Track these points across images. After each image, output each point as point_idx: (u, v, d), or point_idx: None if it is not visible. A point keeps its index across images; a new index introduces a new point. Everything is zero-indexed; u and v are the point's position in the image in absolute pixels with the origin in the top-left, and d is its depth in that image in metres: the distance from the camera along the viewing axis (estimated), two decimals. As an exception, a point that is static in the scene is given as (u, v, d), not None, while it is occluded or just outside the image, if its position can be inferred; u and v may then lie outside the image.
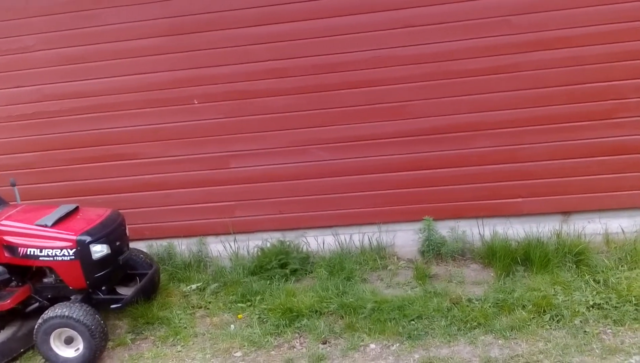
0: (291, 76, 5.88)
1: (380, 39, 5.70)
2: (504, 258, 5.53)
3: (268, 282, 5.73)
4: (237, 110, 6.00)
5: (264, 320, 5.20)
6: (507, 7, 5.52)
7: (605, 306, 4.82)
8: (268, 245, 6.17)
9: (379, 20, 5.67)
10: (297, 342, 4.91)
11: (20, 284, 5.09)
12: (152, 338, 5.20)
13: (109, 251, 4.95)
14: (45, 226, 4.85)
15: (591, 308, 4.83)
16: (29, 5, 5.94)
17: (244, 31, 5.83)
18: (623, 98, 5.58)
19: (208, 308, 5.54)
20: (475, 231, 5.98)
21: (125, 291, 5.29)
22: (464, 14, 5.57)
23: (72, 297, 5.01)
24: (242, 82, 5.94)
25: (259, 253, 6.16)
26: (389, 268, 5.85)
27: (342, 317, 5.10)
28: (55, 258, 4.81)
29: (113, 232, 5.07)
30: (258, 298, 5.48)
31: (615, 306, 4.79)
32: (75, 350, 4.80)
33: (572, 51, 5.54)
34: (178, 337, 5.14)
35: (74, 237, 4.79)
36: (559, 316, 4.76)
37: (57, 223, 4.92)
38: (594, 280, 5.15)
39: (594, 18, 5.46)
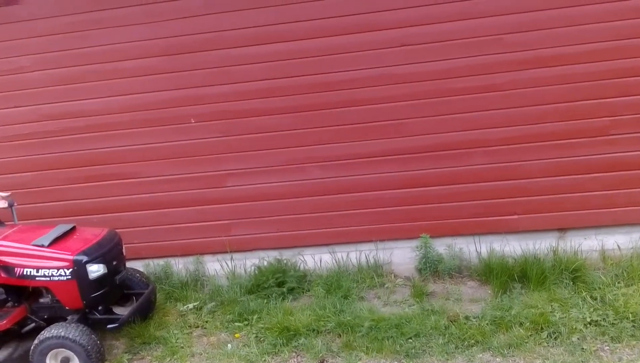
0: (287, 95, 5.90)
1: (376, 57, 5.74)
2: (501, 275, 5.53)
3: (265, 301, 5.72)
4: (233, 129, 6.03)
5: (261, 339, 5.18)
6: (500, 26, 5.58)
7: (602, 323, 4.82)
8: (265, 263, 6.16)
9: (374, 40, 5.72)
10: (294, 361, 4.89)
11: (16, 304, 5.07)
12: (149, 358, 5.17)
13: (106, 271, 4.93)
14: (42, 246, 4.84)
15: (588, 325, 4.83)
16: (25, 27, 5.98)
17: (239, 51, 5.87)
18: (617, 115, 5.62)
19: (205, 328, 5.52)
20: (472, 248, 5.98)
21: (122, 311, 5.27)
22: (459, 33, 5.63)
23: (69, 317, 4.99)
24: (237, 101, 5.97)
25: (256, 271, 6.14)
26: (386, 286, 5.85)
27: (340, 336, 5.09)
28: (51, 278, 4.79)
29: (110, 252, 5.06)
30: (255, 317, 5.47)
31: (613, 323, 4.80)
32: (72, 371, 4.78)
33: (565, 68, 5.58)
34: (175, 356, 5.12)
35: (71, 257, 4.78)
36: (557, 334, 4.76)
37: (53, 243, 4.90)
38: (591, 297, 5.16)
39: (586, 36, 5.52)
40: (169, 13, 5.86)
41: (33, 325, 5.12)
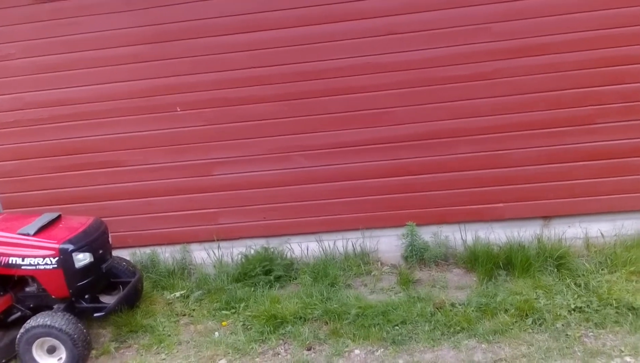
0: (273, 83, 5.88)
1: (362, 46, 5.72)
2: (486, 263, 5.57)
3: (252, 289, 5.72)
4: (219, 117, 5.99)
5: (248, 327, 5.20)
6: (487, 14, 5.57)
7: (586, 309, 4.87)
8: (252, 251, 6.17)
9: (361, 28, 5.69)
10: (281, 349, 4.90)
11: (1, 293, 5.04)
12: (136, 346, 5.17)
13: (92, 260, 4.91)
14: (28, 234, 4.81)
15: (573, 312, 4.88)
16: (10, 14, 5.90)
17: (226, 39, 5.82)
18: (602, 104, 5.64)
19: (192, 316, 5.52)
20: (458, 236, 6.02)
21: (109, 300, 5.25)
22: (446, 22, 5.61)
23: (55, 306, 4.97)
24: (224, 89, 5.93)
25: (243, 260, 6.15)
26: (372, 273, 5.87)
27: (327, 323, 5.11)
28: (37, 266, 4.76)
29: (96, 240, 5.03)
30: (242, 305, 5.48)
31: (596, 310, 4.85)
32: (58, 360, 4.75)
33: (552, 57, 5.59)
34: (162, 344, 5.12)
35: (57, 245, 4.76)
36: (541, 320, 4.80)
37: (39, 231, 4.87)
38: (575, 284, 5.21)
39: (573, 25, 5.52)
40: (155, 0, 5.81)
41: (19, 314, 5.09)
